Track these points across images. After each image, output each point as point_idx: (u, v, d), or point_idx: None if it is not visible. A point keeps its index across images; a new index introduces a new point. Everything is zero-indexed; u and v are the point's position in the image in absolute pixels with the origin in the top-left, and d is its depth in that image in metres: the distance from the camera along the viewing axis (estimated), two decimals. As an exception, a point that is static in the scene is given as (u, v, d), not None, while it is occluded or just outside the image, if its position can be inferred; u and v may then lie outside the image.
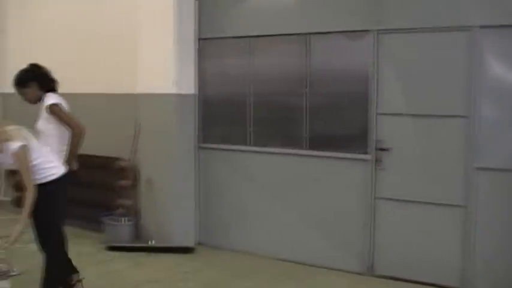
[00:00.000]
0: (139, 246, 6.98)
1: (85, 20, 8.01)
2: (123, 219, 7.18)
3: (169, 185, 7.04)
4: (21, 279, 4.93)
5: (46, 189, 4.55)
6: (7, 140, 4.48)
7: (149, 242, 7.00)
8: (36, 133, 5.17)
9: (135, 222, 7.20)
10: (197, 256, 6.85)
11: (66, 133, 5.22)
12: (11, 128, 4.59)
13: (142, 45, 7.03)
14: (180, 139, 7.01)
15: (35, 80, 5.32)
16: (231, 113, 7.00)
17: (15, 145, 4.47)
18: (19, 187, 8.47)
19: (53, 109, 5.20)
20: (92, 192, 7.52)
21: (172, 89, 6.88)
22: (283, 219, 6.63)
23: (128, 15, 7.30)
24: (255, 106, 6.76)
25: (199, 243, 7.14)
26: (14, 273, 4.32)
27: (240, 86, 6.88)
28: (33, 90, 5.31)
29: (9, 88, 9.03)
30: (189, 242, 7.00)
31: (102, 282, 5.92)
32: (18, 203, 8.46)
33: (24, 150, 4.49)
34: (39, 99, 5.33)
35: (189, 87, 7.00)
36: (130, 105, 7.25)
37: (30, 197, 4.44)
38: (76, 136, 5.25)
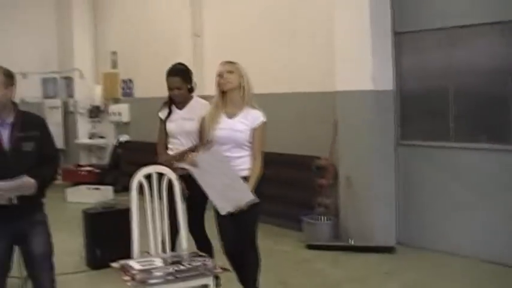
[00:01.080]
0: (338, 245, 6.93)
1: (279, 18, 8.11)
2: (322, 217, 7.19)
3: (369, 183, 6.92)
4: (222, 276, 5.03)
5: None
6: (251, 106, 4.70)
7: (349, 241, 6.93)
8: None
9: (335, 220, 7.18)
10: (398, 256, 6.65)
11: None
12: None
13: (338, 41, 6.97)
14: (378, 136, 6.86)
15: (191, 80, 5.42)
16: (432, 108, 6.71)
17: (262, 116, 4.68)
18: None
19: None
20: (292, 191, 7.62)
21: (370, 86, 6.75)
22: (488, 219, 6.22)
23: (323, 11, 7.30)
24: (457, 100, 6.41)
25: (399, 243, 6.92)
26: (218, 270, 4.39)
27: (440, 79, 6.58)
28: (186, 88, 5.33)
29: (208, 91, 9.51)
30: (389, 242, 6.83)
31: (303, 280, 5.96)
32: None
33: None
34: (186, 100, 5.37)
35: (387, 83, 6.83)
36: (328, 103, 7.22)
37: (258, 168, 4.62)
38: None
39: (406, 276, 6.03)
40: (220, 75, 4.70)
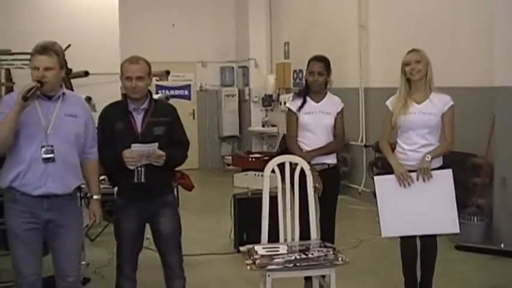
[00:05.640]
0: (489, 248, 6.61)
1: (442, 10, 7.88)
2: (474, 218, 6.89)
3: (526, 185, 6.52)
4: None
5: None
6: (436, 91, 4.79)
7: (501, 245, 6.58)
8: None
9: (487, 222, 6.85)
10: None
11: None
12: None
13: (496, 35, 6.65)
14: (538, 136, 6.44)
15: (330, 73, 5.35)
16: None
17: (451, 100, 4.76)
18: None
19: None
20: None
21: (531, 82, 6.35)
22: None
23: (482, 6, 7.02)
24: None
25: (556, 252, 6.45)
26: (339, 262, 4.36)
27: None
28: (326, 78, 5.29)
29: (374, 83, 9.43)
30: (545, 249, 6.39)
31: (445, 281, 5.76)
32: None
33: None
34: (322, 92, 5.33)
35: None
36: (484, 99, 6.91)
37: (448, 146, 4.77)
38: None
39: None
40: (407, 64, 4.73)
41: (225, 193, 10.09)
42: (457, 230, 4.68)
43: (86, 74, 8.88)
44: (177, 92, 13.20)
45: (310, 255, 4.30)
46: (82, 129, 4.08)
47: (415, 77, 4.70)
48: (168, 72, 9.81)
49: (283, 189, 4.77)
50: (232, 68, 13.78)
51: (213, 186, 11.57)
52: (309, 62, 5.38)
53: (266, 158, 11.80)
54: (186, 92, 13.55)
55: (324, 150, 5.27)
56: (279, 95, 12.48)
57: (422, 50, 4.78)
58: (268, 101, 12.81)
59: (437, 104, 4.72)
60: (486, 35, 6.84)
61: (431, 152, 4.66)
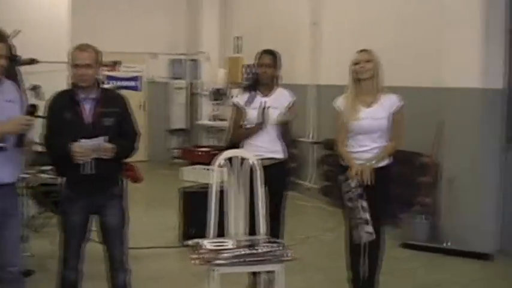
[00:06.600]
0: (434, 246, 6.68)
1: (391, 10, 7.94)
2: (420, 216, 6.95)
3: (472, 185, 6.59)
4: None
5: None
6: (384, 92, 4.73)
7: (446, 244, 6.66)
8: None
9: (433, 221, 6.91)
10: (496, 264, 6.30)
11: None
12: None
13: (447, 37, 6.71)
14: (485, 137, 6.52)
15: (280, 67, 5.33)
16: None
17: (399, 100, 4.74)
18: (328, 177, 8.80)
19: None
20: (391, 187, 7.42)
21: (478, 83, 6.42)
22: None
23: (434, 6, 7.06)
24: None
25: (501, 252, 6.53)
26: (287, 258, 4.32)
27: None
28: (274, 71, 5.28)
29: (325, 80, 9.45)
30: (488, 249, 6.45)
31: (390, 278, 5.79)
32: (326, 192, 8.81)
33: None
34: (271, 85, 5.31)
35: (497, 81, 6.45)
36: (433, 99, 6.97)
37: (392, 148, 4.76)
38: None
39: (502, 285, 5.75)
40: (357, 63, 4.69)
41: (173, 186, 10.00)
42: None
43: (32, 61, 8.62)
44: (126, 83, 13.01)
45: (257, 251, 4.26)
46: (20, 114, 3.97)
47: (364, 75, 4.67)
48: (115, 63, 9.62)
49: (231, 183, 4.69)
50: (183, 60, 13.65)
51: (160, 179, 11.44)
52: (259, 55, 5.35)
53: (214, 152, 11.76)
54: (136, 84, 13.38)
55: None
56: (230, 89, 12.42)
57: (373, 50, 4.76)
58: (218, 95, 12.71)
59: (385, 105, 4.71)
60: (437, 35, 6.90)
61: (376, 157, 4.73)
